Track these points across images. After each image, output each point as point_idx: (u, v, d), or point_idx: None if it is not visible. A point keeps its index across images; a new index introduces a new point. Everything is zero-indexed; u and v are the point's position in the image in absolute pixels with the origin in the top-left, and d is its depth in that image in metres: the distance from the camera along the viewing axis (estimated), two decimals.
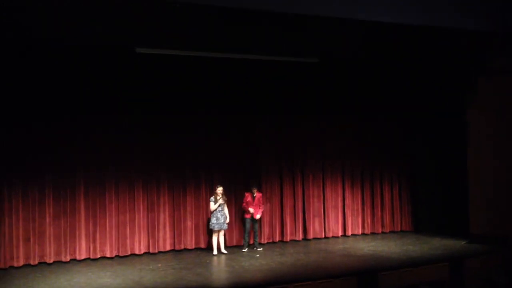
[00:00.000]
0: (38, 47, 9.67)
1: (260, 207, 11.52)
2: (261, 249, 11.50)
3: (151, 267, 10.00)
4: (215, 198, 10.90)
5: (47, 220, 10.47)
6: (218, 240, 11.12)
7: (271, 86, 12.20)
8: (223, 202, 10.94)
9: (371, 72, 12.66)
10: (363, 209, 13.45)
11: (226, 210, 11.09)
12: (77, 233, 10.67)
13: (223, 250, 11.11)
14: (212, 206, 10.89)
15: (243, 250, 11.33)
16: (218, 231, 11.05)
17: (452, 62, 11.71)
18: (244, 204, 11.51)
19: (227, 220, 11.09)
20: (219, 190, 10.95)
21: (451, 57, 11.49)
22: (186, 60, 10.83)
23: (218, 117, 11.91)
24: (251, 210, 11.33)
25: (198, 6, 7.82)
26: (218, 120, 11.93)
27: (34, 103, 10.35)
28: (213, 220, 10.91)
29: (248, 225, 11.47)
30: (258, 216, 11.45)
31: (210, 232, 11.34)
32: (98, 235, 10.85)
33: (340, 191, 13.24)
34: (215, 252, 10.99)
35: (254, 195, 11.44)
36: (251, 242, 11.68)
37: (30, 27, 8.70)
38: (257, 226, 11.60)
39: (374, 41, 10.46)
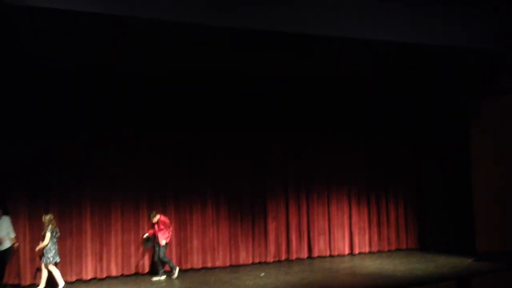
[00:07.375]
0: (41, 70, 9.82)
1: (168, 231, 10.54)
2: (164, 277, 10.52)
3: (154, 286, 9.95)
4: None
5: None
6: (42, 273, 9.70)
7: (278, 106, 12.32)
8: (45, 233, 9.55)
9: (377, 92, 12.75)
10: (369, 227, 13.42)
11: (44, 243, 9.50)
12: (83, 252, 10.65)
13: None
14: None
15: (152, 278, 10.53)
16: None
17: (457, 81, 11.78)
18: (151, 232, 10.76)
19: (46, 254, 9.58)
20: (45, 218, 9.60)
21: (457, 76, 11.57)
22: (190, 80, 10.95)
23: (225, 136, 11.94)
24: (145, 236, 10.74)
25: (208, 28, 7.99)
26: (224, 140, 11.96)
27: (41, 123, 10.43)
28: None
29: (155, 253, 10.67)
30: (163, 242, 10.45)
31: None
32: (104, 255, 10.82)
33: (346, 209, 13.23)
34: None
35: (154, 222, 10.54)
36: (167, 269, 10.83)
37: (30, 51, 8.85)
38: (159, 252, 10.49)
39: (379, 61, 10.56)
